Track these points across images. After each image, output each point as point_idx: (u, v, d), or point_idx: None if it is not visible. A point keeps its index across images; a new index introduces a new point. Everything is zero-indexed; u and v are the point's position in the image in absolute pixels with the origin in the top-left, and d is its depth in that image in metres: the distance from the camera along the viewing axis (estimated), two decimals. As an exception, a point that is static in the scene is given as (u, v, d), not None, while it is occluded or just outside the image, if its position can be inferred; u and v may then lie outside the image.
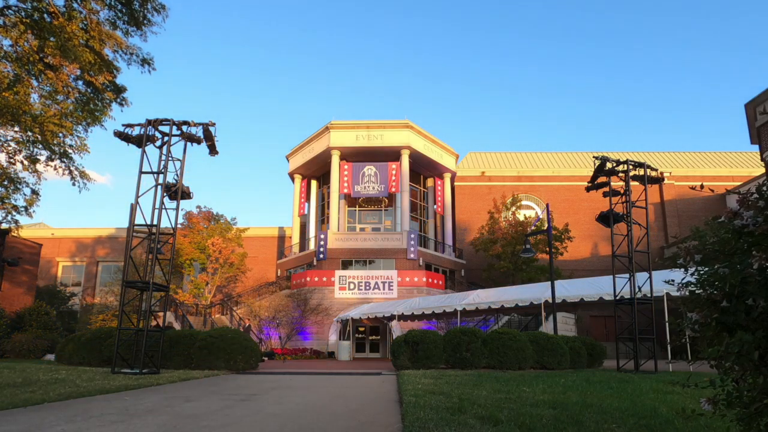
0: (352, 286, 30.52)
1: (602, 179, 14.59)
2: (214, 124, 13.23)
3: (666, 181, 37.12)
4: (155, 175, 12.79)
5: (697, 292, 2.32)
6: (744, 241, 2.14)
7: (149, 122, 12.98)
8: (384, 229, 35.46)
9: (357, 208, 36.43)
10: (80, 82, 13.91)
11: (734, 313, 2.08)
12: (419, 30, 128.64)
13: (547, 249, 20.20)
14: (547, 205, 19.61)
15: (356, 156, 34.76)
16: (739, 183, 36.26)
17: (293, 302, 29.82)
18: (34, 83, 13.65)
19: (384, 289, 30.32)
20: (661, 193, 38.37)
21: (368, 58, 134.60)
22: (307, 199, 38.91)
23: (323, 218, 37.20)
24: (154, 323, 13.44)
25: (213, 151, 13.57)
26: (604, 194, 14.30)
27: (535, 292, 19.29)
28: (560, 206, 36.94)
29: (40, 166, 16.25)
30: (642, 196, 14.12)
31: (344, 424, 4.68)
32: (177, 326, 27.32)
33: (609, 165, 14.21)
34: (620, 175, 14.34)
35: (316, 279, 31.07)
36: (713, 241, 2.30)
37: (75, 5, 12.44)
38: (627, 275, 13.76)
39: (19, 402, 5.99)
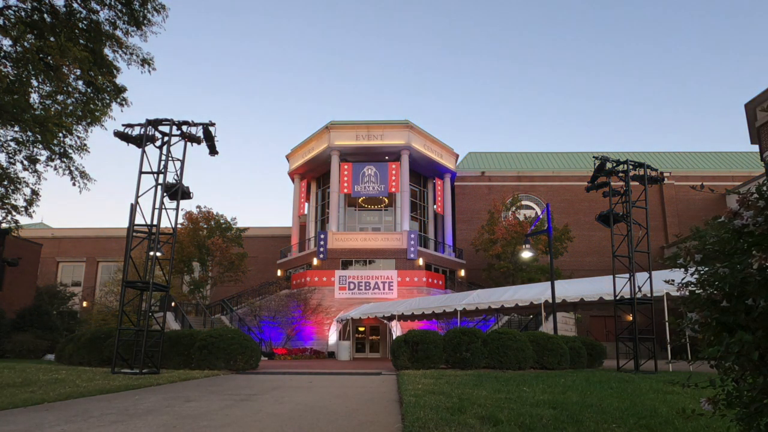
0: (352, 286, 30.52)
1: (602, 179, 14.59)
2: (214, 124, 13.23)
3: (666, 181, 37.10)
4: (155, 175, 12.78)
5: (697, 292, 2.32)
6: (744, 241, 2.13)
7: (149, 122, 12.97)
8: (384, 229, 35.44)
9: (357, 208, 36.43)
10: (80, 82, 13.89)
11: (734, 313, 2.07)
12: (420, 30, 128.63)
13: (547, 249, 20.19)
14: (547, 205, 19.60)
15: (356, 156, 34.75)
16: (739, 183, 36.25)
17: (293, 302, 29.81)
18: (34, 83, 13.64)
19: (384, 289, 30.32)
20: (661, 193, 38.35)
21: (369, 59, 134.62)
22: (307, 199, 38.90)
23: (323, 218, 37.19)
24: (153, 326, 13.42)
25: (213, 151, 13.56)
26: (604, 194, 14.30)
27: (535, 292, 19.28)
28: (560, 206, 36.94)
29: (40, 166, 16.23)
30: (642, 196, 14.11)
31: (344, 424, 4.68)
32: (176, 326, 27.31)
33: (609, 165, 14.21)
34: (620, 175, 14.34)
35: (316, 279, 31.07)
36: (713, 241, 2.30)
37: (75, 5, 12.44)
38: (627, 275, 13.76)
39: (19, 402, 5.99)
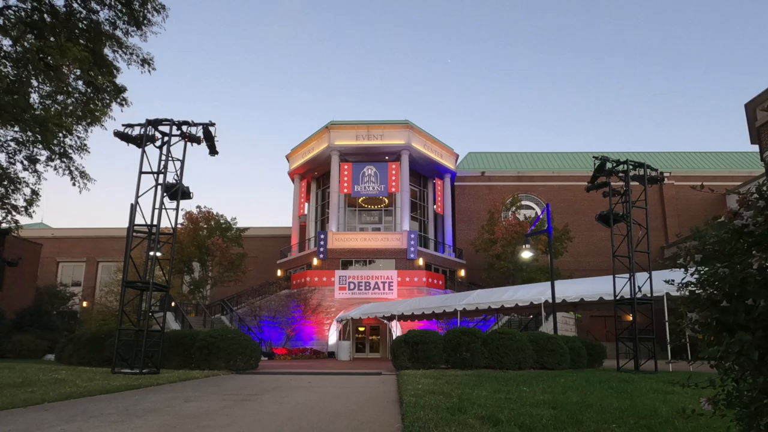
0: (352, 286, 30.51)
1: (602, 179, 14.59)
2: (214, 124, 13.23)
3: (666, 181, 37.01)
4: (155, 175, 12.78)
5: (697, 292, 2.32)
6: (744, 241, 2.13)
7: (149, 122, 12.96)
8: (384, 229, 35.44)
9: (357, 208, 36.43)
10: (80, 82, 13.90)
11: (734, 313, 2.07)
12: (420, 30, 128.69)
13: (547, 249, 20.19)
14: (547, 205, 19.60)
15: (356, 156, 34.75)
16: (739, 183, 36.22)
17: (293, 302, 29.82)
18: (34, 83, 13.64)
19: (384, 289, 30.31)
20: (661, 193, 38.34)
21: (369, 59, 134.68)
22: (307, 199, 38.89)
23: (323, 218, 37.19)
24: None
25: (213, 151, 13.56)
26: (604, 194, 14.30)
27: (535, 292, 19.28)
28: (560, 206, 36.91)
29: (40, 166, 16.24)
30: (642, 196, 14.11)
31: (344, 424, 4.68)
32: (176, 326, 27.32)
33: (609, 165, 14.21)
34: (620, 175, 14.34)
35: (316, 279, 31.06)
36: (713, 241, 2.29)
37: (75, 5, 12.44)
38: (627, 275, 13.76)
39: (19, 402, 5.98)
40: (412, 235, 32.17)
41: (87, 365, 14.01)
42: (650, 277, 13.58)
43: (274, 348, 27.11)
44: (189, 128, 13.07)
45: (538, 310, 20.90)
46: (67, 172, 15.75)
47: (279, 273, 36.43)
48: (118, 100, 14.39)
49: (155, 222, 12.49)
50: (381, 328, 31.79)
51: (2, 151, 15.78)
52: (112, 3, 12.75)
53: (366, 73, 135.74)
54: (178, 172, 12.97)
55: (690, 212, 37.36)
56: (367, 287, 30.41)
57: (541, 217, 27.62)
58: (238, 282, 32.56)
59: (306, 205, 38.70)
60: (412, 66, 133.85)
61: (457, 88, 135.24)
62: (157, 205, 12.56)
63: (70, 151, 15.59)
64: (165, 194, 12.68)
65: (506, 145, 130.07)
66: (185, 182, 13.03)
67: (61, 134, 14.78)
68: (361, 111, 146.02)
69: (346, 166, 34.18)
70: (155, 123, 13.00)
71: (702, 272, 2.28)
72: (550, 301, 16.89)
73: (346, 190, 33.95)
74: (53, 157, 15.62)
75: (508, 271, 30.63)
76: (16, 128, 14.81)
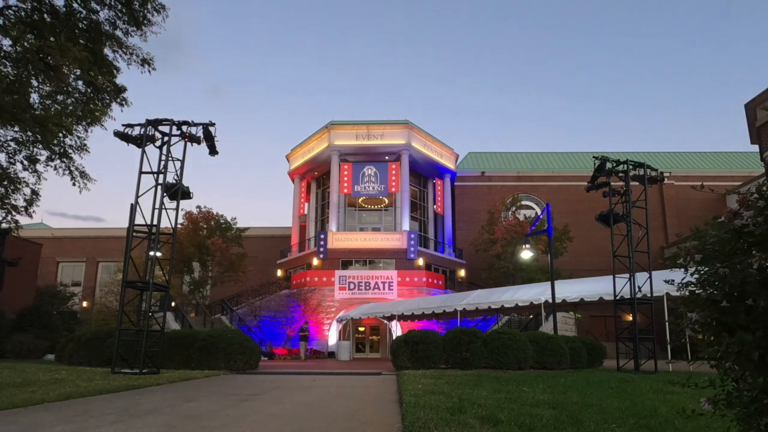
0: (352, 286, 30.51)
1: (602, 179, 14.58)
2: (214, 124, 13.22)
3: (666, 181, 36.96)
4: (155, 175, 12.77)
5: (697, 292, 2.32)
6: (744, 241, 2.13)
7: (149, 122, 12.96)
8: (384, 229, 35.43)
9: (357, 208, 36.42)
10: (80, 82, 13.90)
11: (734, 313, 2.07)
12: (419, 30, 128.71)
13: (547, 249, 20.20)
14: (547, 205, 19.59)
15: (356, 156, 34.74)
16: (739, 183, 36.20)
17: (293, 302, 29.80)
18: (34, 83, 13.64)
19: (384, 289, 30.30)
20: (661, 193, 38.32)
21: (369, 59, 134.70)
22: (307, 199, 38.87)
23: (323, 218, 37.19)
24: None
25: (213, 151, 13.55)
26: (604, 194, 14.30)
27: (535, 292, 19.27)
28: (560, 206, 36.86)
29: (40, 166, 16.24)
30: (642, 196, 14.11)
31: (344, 424, 4.68)
32: (176, 326, 27.30)
33: (609, 165, 14.21)
34: (620, 175, 14.34)
35: (316, 279, 31.05)
36: (713, 241, 2.29)
37: (75, 5, 12.43)
38: (627, 275, 13.75)
39: (19, 402, 5.98)
40: (412, 235, 32.16)
41: (87, 365, 14.00)
42: (650, 277, 13.58)
43: (274, 348, 27.11)
44: (189, 128, 13.06)
45: (538, 310, 20.90)
46: (67, 172, 15.75)
47: (279, 273, 36.39)
48: (118, 100, 14.39)
49: (155, 222, 12.49)
50: (381, 328, 31.78)
51: (2, 151, 15.78)
52: (112, 3, 12.74)
53: (366, 72, 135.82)
54: (178, 172, 12.97)
55: (690, 212, 37.32)
56: (367, 287, 30.39)
57: (541, 217, 27.58)
58: (238, 282, 32.52)
59: (306, 205, 38.68)
60: (412, 66, 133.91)
61: (457, 88, 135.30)
62: (157, 205, 12.56)
63: (70, 151, 15.59)
64: (165, 194, 12.67)
65: (506, 145, 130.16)
66: (185, 182, 13.03)
67: (61, 134, 14.78)
68: (361, 111, 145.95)
69: (346, 166, 34.17)
70: (155, 123, 13.00)
71: (702, 272, 2.28)
72: (550, 301, 16.89)
73: (346, 190, 33.94)
74: (53, 157, 15.62)
75: (508, 271, 30.61)
76: (16, 128, 14.80)
